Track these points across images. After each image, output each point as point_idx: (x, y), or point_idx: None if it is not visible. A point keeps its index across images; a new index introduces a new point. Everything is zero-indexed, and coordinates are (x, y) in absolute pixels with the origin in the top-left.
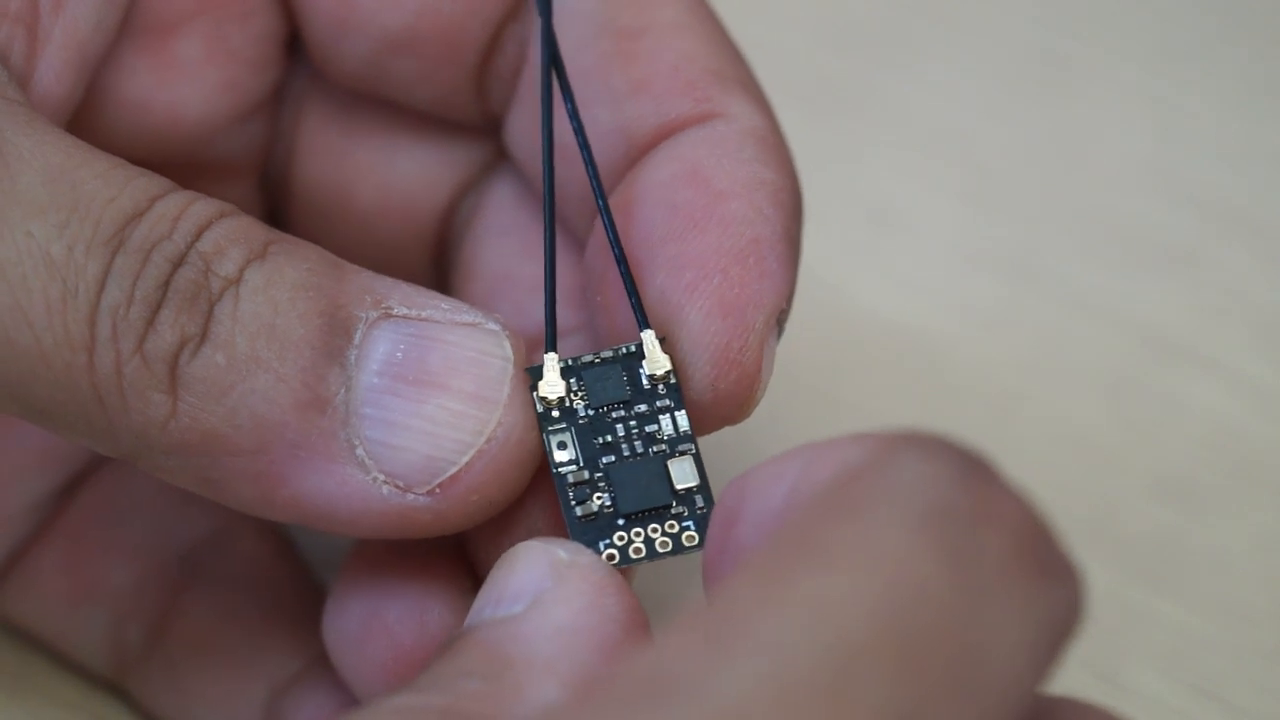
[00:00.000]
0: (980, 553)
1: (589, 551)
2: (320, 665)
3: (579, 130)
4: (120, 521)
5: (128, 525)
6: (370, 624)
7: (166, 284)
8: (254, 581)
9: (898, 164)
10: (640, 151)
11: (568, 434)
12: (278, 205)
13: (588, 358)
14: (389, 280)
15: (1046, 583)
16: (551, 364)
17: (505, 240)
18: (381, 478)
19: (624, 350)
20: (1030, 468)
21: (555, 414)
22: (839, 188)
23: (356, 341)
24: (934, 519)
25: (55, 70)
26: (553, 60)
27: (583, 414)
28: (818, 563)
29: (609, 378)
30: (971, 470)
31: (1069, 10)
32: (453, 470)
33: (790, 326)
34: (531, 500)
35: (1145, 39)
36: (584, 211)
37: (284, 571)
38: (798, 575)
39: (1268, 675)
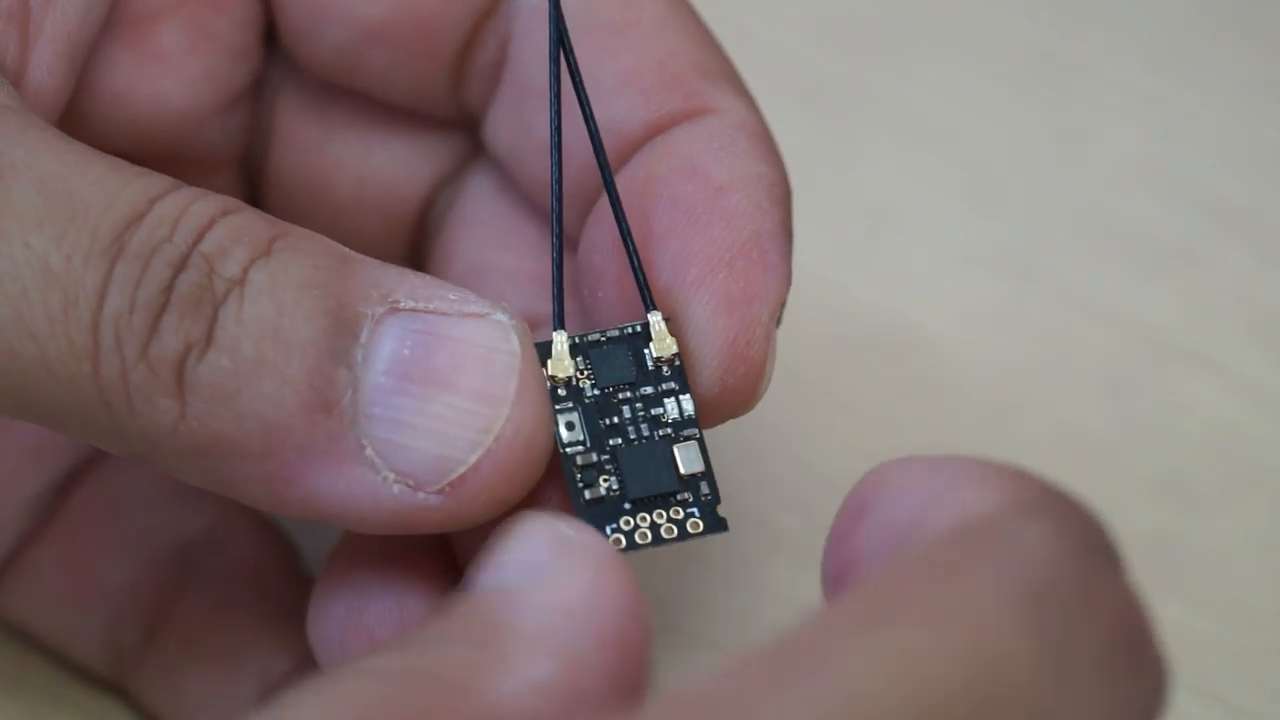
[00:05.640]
0: (1074, 639)
1: (594, 532)
2: (314, 662)
3: (586, 108)
4: (116, 519)
5: (123, 522)
6: (351, 625)
7: (169, 288)
8: (248, 579)
9: (897, 164)
10: (630, 147)
11: (575, 414)
12: (257, 197)
13: (594, 336)
14: (396, 271)
15: (1135, 681)
16: (560, 341)
17: (482, 231)
18: (392, 477)
19: (630, 330)
20: (1030, 468)
21: (562, 393)
22: (839, 187)
23: (363, 340)
24: (1037, 596)
25: (47, 64)
26: (561, 46)
27: (589, 394)
28: (911, 616)
29: (616, 358)
30: (1088, 551)
31: (1069, 10)
32: (462, 470)
33: (789, 325)
34: (533, 493)
35: (1145, 39)
36: (576, 208)
37: (278, 569)
38: (888, 624)
39: (1268, 675)
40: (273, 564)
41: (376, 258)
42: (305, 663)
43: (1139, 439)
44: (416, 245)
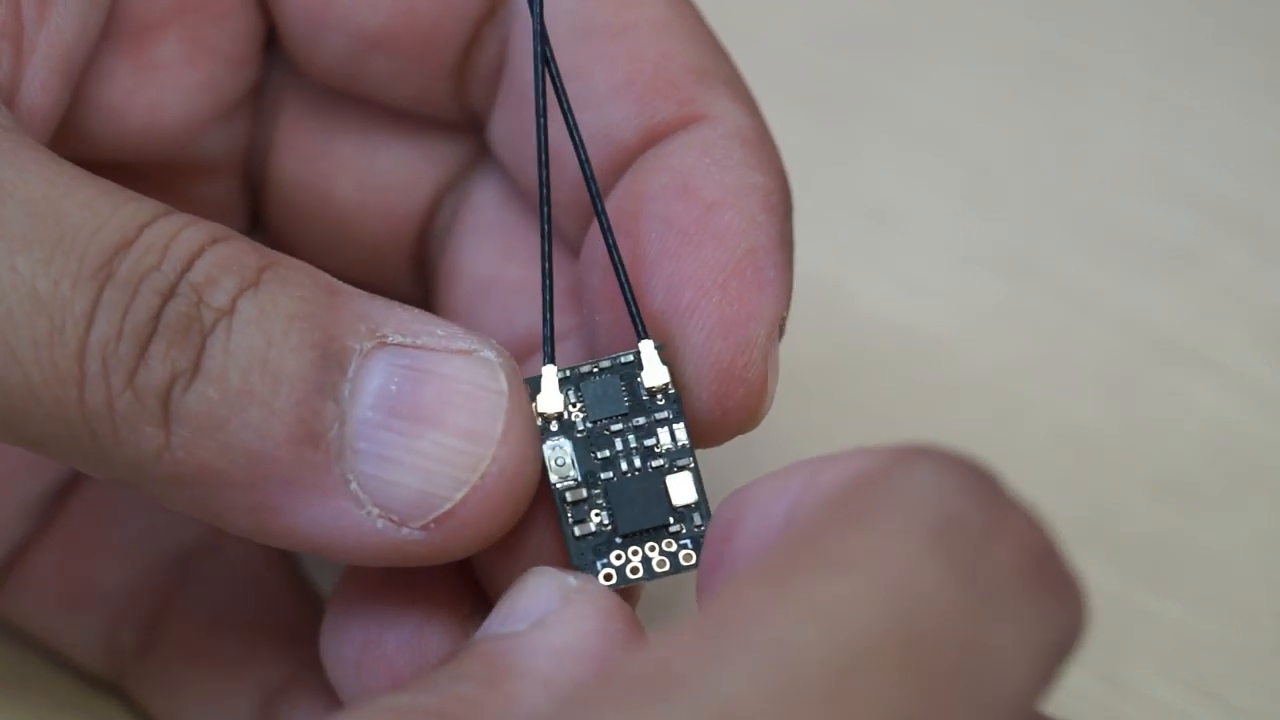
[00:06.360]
0: (989, 566)
1: (599, 582)
2: (312, 668)
3: (575, 136)
4: (115, 523)
5: (122, 527)
6: (368, 650)
7: (157, 317)
8: (247, 584)
9: (897, 164)
10: (626, 155)
11: (566, 448)
12: (259, 202)
13: (585, 367)
14: (384, 304)
15: (1052, 600)
16: (550, 376)
17: (489, 241)
18: (376, 512)
19: (621, 359)
20: (1030, 468)
21: (554, 428)
22: (839, 188)
23: (350, 374)
24: (944, 530)
25: (41, 81)
26: (546, 66)
27: (581, 428)
28: (825, 568)
29: (608, 390)
30: (981, 483)
31: (1069, 10)
32: (447, 507)
33: (789, 327)
34: (537, 519)
35: (1145, 39)
36: (575, 213)
37: (277, 574)
38: (804, 579)
39: (1268, 675)
40: (271, 570)
41: (381, 265)
42: (303, 668)
43: (1139, 439)
44: (421, 252)
